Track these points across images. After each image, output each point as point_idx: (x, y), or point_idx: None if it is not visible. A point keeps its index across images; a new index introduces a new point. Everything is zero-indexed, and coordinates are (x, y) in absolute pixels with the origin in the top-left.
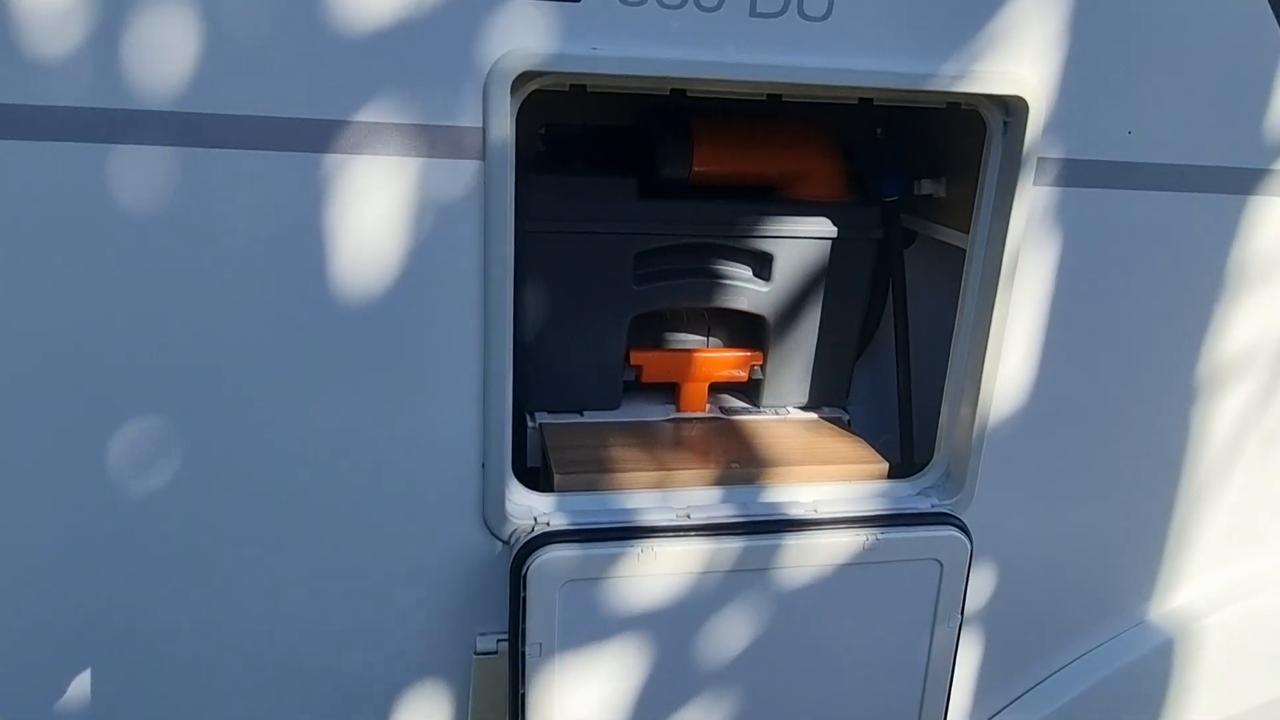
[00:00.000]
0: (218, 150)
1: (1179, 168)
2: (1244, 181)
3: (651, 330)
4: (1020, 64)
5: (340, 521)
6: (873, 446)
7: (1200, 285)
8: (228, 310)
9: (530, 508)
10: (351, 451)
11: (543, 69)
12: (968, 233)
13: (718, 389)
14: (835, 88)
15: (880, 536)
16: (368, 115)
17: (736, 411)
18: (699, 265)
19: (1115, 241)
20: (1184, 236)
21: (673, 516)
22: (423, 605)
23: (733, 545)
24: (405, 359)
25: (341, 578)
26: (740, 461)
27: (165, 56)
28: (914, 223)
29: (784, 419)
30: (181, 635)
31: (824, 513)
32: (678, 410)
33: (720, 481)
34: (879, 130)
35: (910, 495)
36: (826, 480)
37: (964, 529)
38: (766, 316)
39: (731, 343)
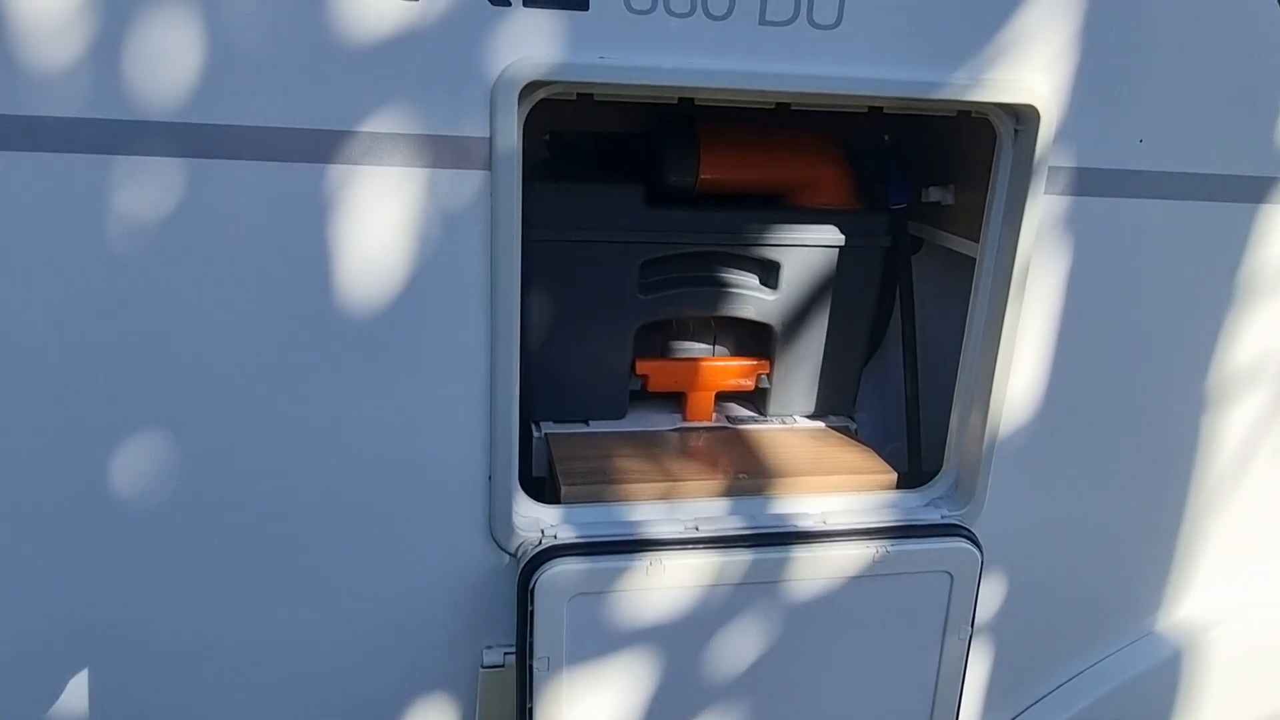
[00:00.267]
0: (222, 161)
1: (1191, 176)
2: (1256, 190)
3: (657, 339)
4: (1031, 72)
5: (345, 534)
6: (880, 455)
7: (1212, 294)
8: (232, 323)
9: (537, 520)
10: (356, 464)
11: (550, 78)
12: (975, 240)
13: (724, 398)
14: (845, 96)
15: (890, 549)
16: (373, 125)
17: (743, 420)
18: (705, 273)
19: (1126, 250)
20: (1196, 245)
21: (681, 529)
22: (429, 618)
23: (742, 558)
24: (411, 371)
25: (347, 591)
26: (748, 472)
27: (169, 66)
28: (921, 230)
29: (791, 428)
30: (185, 647)
31: (833, 524)
32: (684, 419)
33: (728, 492)
34: (886, 138)
35: (920, 506)
36: (835, 490)
37: (974, 540)
38: (773, 325)
39: (738, 351)
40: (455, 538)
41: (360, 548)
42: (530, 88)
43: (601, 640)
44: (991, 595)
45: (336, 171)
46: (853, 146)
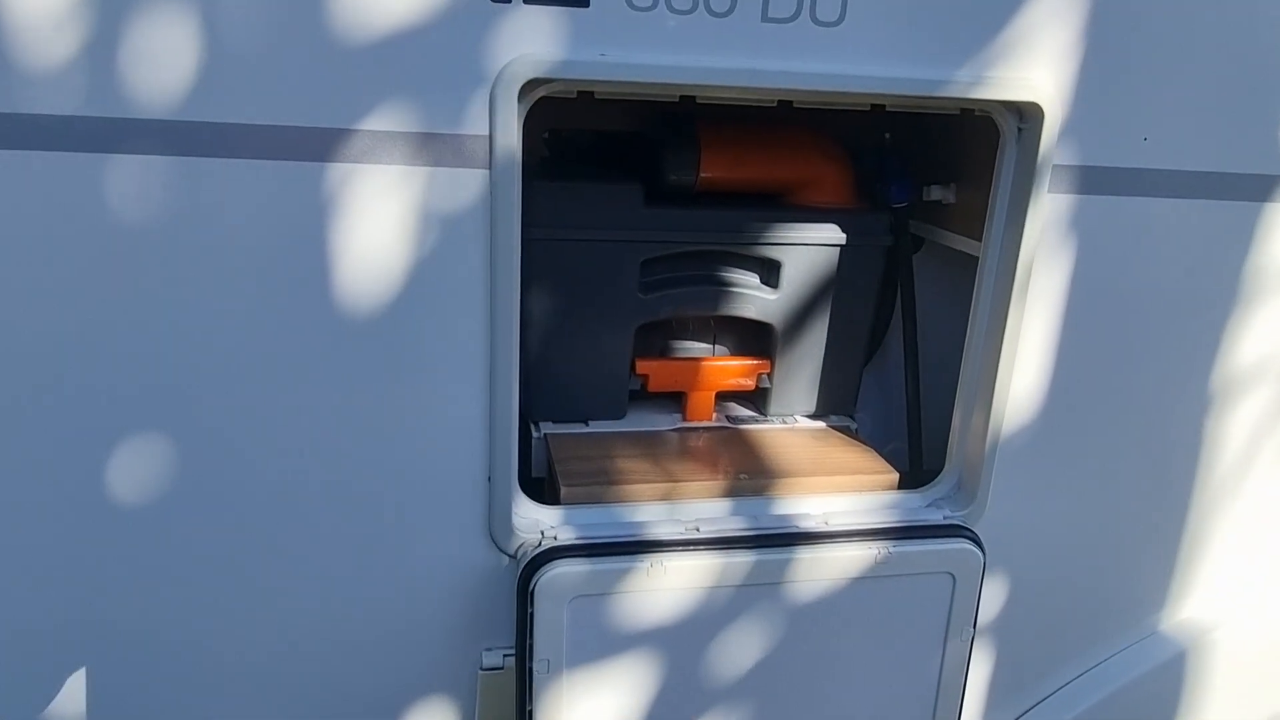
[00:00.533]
0: (219, 160)
1: (1196, 174)
2: (1261, 188)
3: (657, 338)
4: (1035, 70)
5: (344, 535)
6: (881, 455)
7: (1216, 293)
8: (229, 323)
9: (537, 521)
10: (355, 464)
11: (550, 76)
12: (977, 239)
13: (724, 398)
14: (849, 94)
15: (892, 550)
16: (372, 124)
17: (743, 420)
18: (706, 272)
19: (1130, 249)
20: (1200, 244)
21: (681, 530)
22: (428, 620)
23: (743, 559)
24: (410, 370)
25: (345, 592)
26: (749, 472)
27: (165, 64)
28: (922, 229)
29: (791, 428)
30: (185, 648)
31: (835, 525)
32: (684, 419)
33: (729, 493)
34: (887, 136)
35: (922, 507)
36: (836, 491)
37: (977, 541)
38: (774, 324)
39: (738, 351)
40: (454, 539)
41: (359, 549)
42: (530, 85)
43: (602, 642)
44: (994, 596)
45: (335, 170)
46: (853, 145)
